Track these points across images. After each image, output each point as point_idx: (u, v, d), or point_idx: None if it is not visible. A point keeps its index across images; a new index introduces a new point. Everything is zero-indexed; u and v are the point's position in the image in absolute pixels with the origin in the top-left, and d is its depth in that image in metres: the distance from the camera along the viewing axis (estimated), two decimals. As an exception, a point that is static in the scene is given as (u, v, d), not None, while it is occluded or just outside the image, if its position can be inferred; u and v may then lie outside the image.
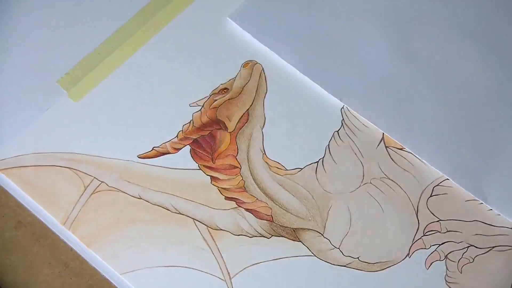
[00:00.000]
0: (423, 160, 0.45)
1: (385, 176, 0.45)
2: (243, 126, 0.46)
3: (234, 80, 0.48)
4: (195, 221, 0.43)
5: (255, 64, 0.48)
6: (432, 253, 0.43)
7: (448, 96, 0.47)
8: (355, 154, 0.46)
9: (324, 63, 0.47)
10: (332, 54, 0.47)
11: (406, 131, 0.46)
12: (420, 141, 0.45)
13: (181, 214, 0.43)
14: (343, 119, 0.47)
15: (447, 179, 0.45)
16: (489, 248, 0.43)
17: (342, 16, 0.49)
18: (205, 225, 0.43)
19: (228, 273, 0.42)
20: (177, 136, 0.46)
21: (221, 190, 0.44)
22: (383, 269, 0.42)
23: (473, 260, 0.43)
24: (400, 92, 0.47)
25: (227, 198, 0.44)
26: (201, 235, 0.43)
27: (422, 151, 0.45)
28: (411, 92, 0.47)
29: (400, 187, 0.45)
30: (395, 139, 0.45)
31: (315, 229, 0.43)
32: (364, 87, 0.47)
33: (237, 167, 0.45)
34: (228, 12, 0.49)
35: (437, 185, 0.45)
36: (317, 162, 0.45)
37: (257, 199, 0.44)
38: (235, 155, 0.45)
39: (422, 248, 0.43)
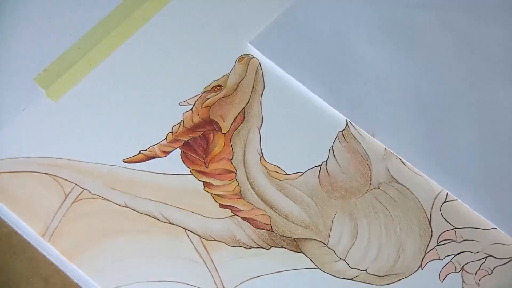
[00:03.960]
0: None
1: (394, 180, 0.45)
2: (238, 126, 0.46)
3: (228, 76, 0.48)
4: (187, 231, 0.43)
5: (251, 58, 0.48)
6: (447, 264, 0.43)
7: (485, 129, 0.46)
8: (362, 156, 0.46)
9: (354, 95, 0.47)
10: (362, 85, 0.47)
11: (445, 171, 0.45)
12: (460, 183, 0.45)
13: (171, 223, 0.43)
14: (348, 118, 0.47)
15: None
16: (509, 259, 0.43)
17: (369, 40, 0.49)
18: (198, 235, 0.43)
19: (224, 288, 0.42)
20: (166, 138, 0.46)
21: (215, 197, 0.44)
22: (393, 282, 0.42)
23: (492, 271, 0.43)
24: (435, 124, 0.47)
25: (221, 205, 0.44)
26: (194, 246, 0.43)
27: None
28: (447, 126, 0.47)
29: (411, 192, 0.45)
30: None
31: (319, 239, 0.43)
32: (397, 120, 0.47)
33: (233, 172, 0.45)
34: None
35: (452, 190, 0.45)
36: (320, 165, 0.45)
37: (254, 206, 0.44)
38: (230, 158, 0.45)
39: (436, 259, 0.43)
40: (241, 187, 0.44)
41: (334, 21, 0.49)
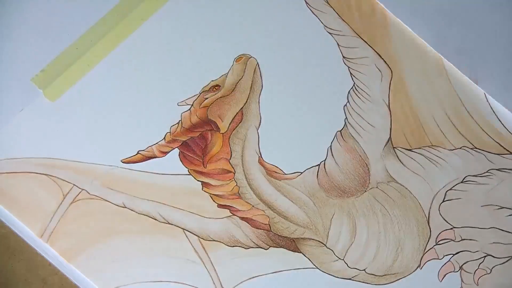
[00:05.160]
0: None
1: (393, 179, 0.45)
2: (236, 126, 0.46)
3: (226, 76, 0.47)
4: (185, 231, 0.43)
5: (249, 58, 0.48)
6: (445, 263, 0.43)
7: None
8: (360, 156, 0.46)
9: (460, 41, 0.46)
10: (469, 32, 0.47)
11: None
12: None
13: (169, 224, 0.44)
14: (346, 118, 0.47)
15: (461, 182, 0.45)
16: (508, 258, 0.43)
17: None
18: (197, 235, 0.43)
19: (222, 288, 0.42)
20: (164, 138, 0.46)
21: (214, 197, 0.44)
22: (392, 282, 0.43)
23: (491, 271, 0.43)
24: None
25: (220, 205, 0.44)
26: (192, 246, 0.43)
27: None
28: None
29: (410, 191, 0.45)
30: None
31: (317, 239, 0.43)
32: (502, 69, 0.47)
33: (231, 172, 0.45)
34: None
35: (450, 189, 0.45)
36: (318, 165, 0.45)
37: (253, 206, 0.44)
38: (229, 158, 0.45)
39: (434, 259, 0.43)
40: (239, 187, 0.45)
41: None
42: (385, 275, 0.43)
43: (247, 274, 0.42)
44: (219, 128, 0.46)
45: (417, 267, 0.43)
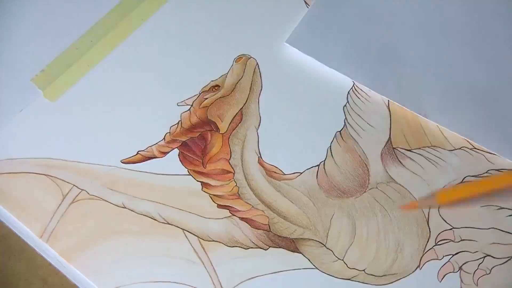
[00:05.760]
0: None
1: (392, 180, 0.45)
2: (236, 126, 0.46)
3: (226, 77, 0.48)
4: (185, 231, 0.43)
5: (249, 58, 0.48)
6: (445, 264, 0.43)
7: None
8: (360, 156, 0.46)
9: (399, 79, 0.48)
10: (405, 67, 0.48)
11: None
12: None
13: (169, 224, 0.43)
14: (346, 118, 0.47)
15: (461, 182, 0.45)
16: (508, 258, 0.43)
17: (406, 21, 0.51)
18: (196, 236, 0.43)
19: (222, 288, 0.42)
20: (164, 138, 0.46)
21: (213, 197, 0.44)
22: (391, 282, 0.42)
23: (490, 271, 0.43)
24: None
25: (219, 206, 0.44)
26: (192, 247, 0.43)
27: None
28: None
29: (409, 192, 0.45)
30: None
31: (317, 239, 0.43)
32: (445, 98, 0.48)
33: (231, 172, 0.45)
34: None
35: (450, 190, 0.45)
36: (318, 165, 0.45)
37: (252, 207, 0.44)
38: (228, 158, 0.45)
39: (434, 259, 0.43)
40: (239, 188, 0.45)
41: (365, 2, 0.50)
42: (384, 275, 0.42)
43: (246, 275, 0.42)
44: (218, 128, 0.46)
45: (417, 268, 0.43)
